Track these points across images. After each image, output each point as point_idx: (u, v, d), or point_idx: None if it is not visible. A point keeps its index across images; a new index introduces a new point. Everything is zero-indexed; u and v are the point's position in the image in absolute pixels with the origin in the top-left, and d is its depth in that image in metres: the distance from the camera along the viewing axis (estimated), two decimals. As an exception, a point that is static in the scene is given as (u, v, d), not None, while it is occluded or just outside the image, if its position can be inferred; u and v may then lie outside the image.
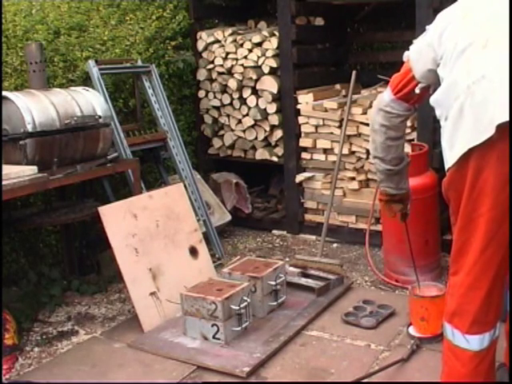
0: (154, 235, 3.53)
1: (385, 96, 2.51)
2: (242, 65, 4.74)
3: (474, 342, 2.14)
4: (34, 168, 3.06)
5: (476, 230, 2.07)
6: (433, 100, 2.22)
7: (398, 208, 2.89)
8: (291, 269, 3.82)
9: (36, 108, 3.28)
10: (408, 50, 2.44)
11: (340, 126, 4.29)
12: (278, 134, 4.76)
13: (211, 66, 4.92)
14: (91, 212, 3.56)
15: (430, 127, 3.87)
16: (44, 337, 3.31)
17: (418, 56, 2.34)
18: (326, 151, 4.50)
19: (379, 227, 4.06)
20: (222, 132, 5.09)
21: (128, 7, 4.84)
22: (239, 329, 3.12)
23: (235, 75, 4.78)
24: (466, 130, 2.01)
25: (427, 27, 2.36)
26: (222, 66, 4.86)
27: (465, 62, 2.06)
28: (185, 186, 4.09)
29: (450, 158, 2.09)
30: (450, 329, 2.20)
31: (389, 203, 2.86)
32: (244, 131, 4.90)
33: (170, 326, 3.29)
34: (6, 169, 2.99)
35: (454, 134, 2.06)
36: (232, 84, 4.80)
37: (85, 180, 3.68)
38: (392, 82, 2.49)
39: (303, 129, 4.54)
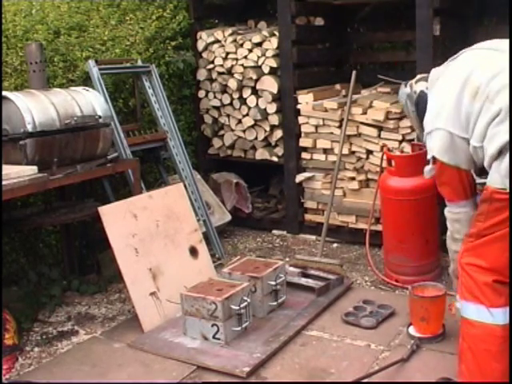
0: (154, 235, 3.53)
1: (455, 210, 2.62)
2: (242, 65, 4.74)
3: (499, 316, 2.24)
4: (34, 168, 3.06)
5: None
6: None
7: None
8: (291, 269, 3.82)
9: (36, 108, 3.28)
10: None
11: (340, 126, 4.29)
12: (278, 134, 4.76)
13: (211, 65, 4.92)
14: (91, 212, 3.55)
15: (430, 127, 3.85)
16: (44, 337, 3.31)
17: (452, 155, 2.46)
18: (326, 151, 4.49)
19: (379, 227, 4.06)
20: (222, 132, 5.08)
21: (128, 7, 4.84)
22: (239, 329, 3.12)
23: (235, 75, 4.78)
24: None
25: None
26: (222, 65, 4.85)
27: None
28: (185, 186, 4.09)
29: None
30: (473, 306, 2.29)
31: None
32: (244, 131, 4.90)
33: (170, 326, 3.29)
34: (6, 169, 2.99)
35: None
36: (232, 84, 4.80)
37: (85, 180, 3.67)
38: (453, 194, 2.61)
39: (303, 129, 4.54)
